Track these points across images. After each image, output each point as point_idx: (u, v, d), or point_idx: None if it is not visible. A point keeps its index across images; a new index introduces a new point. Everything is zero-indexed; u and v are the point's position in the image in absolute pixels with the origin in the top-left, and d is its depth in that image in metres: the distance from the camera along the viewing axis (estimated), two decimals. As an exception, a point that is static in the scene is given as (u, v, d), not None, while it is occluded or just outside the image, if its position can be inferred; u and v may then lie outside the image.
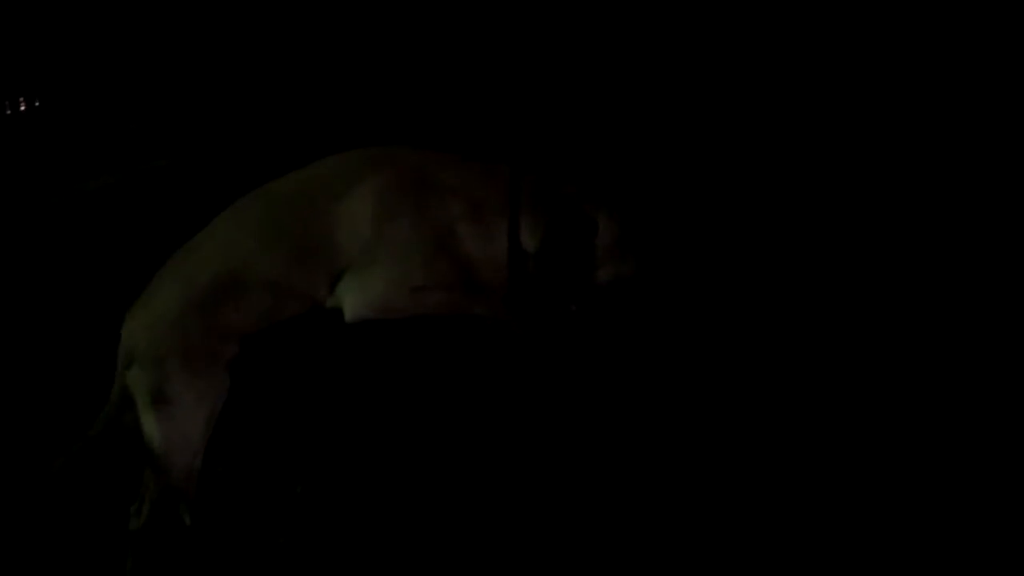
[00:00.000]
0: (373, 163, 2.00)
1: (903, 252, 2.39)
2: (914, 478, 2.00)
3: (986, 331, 2.22)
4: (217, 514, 2.18)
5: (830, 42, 2.57)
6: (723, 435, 2.16)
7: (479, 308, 1.98)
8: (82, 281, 2.84)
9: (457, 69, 2.88)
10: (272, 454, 2.35)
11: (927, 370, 2.18)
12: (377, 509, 2.17)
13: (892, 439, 2.09)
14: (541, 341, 2.08)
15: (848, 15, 2.57)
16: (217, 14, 3.11)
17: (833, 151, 2.56)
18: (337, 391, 2.43)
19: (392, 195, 1.93)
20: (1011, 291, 2.24)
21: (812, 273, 2.41)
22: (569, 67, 2.74)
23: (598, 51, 2.75)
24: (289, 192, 2.01)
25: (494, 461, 2.20)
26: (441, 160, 2.02)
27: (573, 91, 2.76)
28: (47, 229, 3.08)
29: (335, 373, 2.43)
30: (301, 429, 2.38)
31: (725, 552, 1.94)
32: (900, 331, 2.27)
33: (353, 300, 1.94)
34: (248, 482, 2.29)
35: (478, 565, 2.00)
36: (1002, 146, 2.40)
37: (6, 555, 2.12)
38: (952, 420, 2.09)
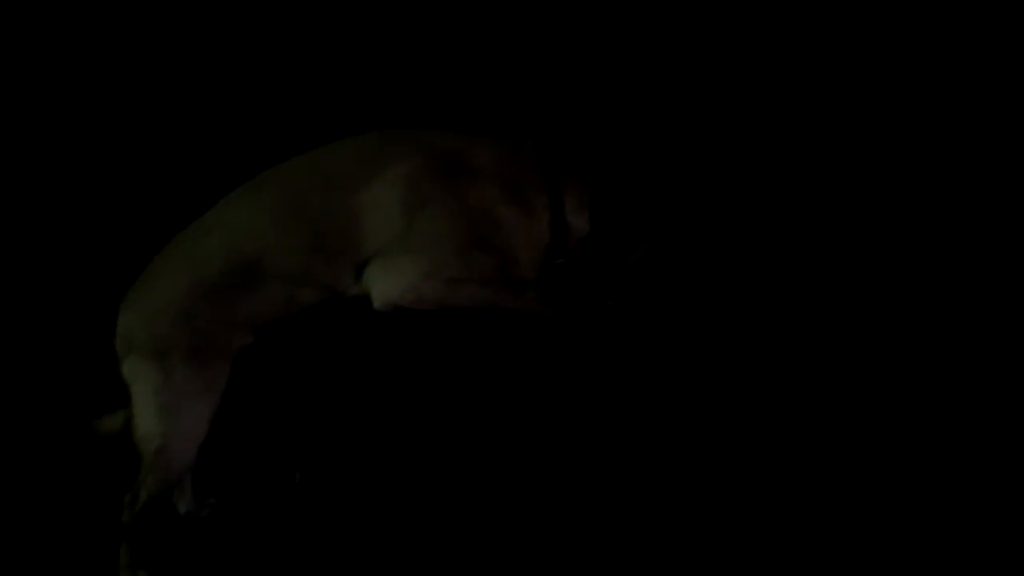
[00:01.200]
0: (398, 146, 1.91)
1: (907, 251, 2.38)
2: (914, 478, 2.02)
3: (986, 331, 2.23)
4: (213, 502, 2.11)
5: (831, 40, 2.55)
6: (724, 436, 2.16)
7: (513, 303, 1.93)
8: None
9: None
10: (270, 440, 2.27)
11: (927, 370, 2.19)
12: (377, 501, 2.11)
13: (892, 439, 2.10)
14: (575, 336, 2.04)
15: (848, 15, 2.55)
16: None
17: (834, 148, 2.55)
18: (341, 377, 2.35)
19: (424, 181, 1.86)
20: (1011, 291, 2.25)
21: (814, 272, 2.38)
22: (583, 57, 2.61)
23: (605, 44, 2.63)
24: (305, 176, 1.92)
25: (500, 458, 2.16)
26: (469, 141, 1.95)
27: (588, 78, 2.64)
28: None
29: (338, 359, 2.34)
30: (302, 415, 2.31)
31: (725, 552, 1.94)
32: (901, 331, 2.27)
33: (383, 289, 1.87)
34: (245, 468, 2.21)
35: (479, 563, 1.97)
36: (1002, 146, 2.39)
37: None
38: (952, 420, 2.10)
